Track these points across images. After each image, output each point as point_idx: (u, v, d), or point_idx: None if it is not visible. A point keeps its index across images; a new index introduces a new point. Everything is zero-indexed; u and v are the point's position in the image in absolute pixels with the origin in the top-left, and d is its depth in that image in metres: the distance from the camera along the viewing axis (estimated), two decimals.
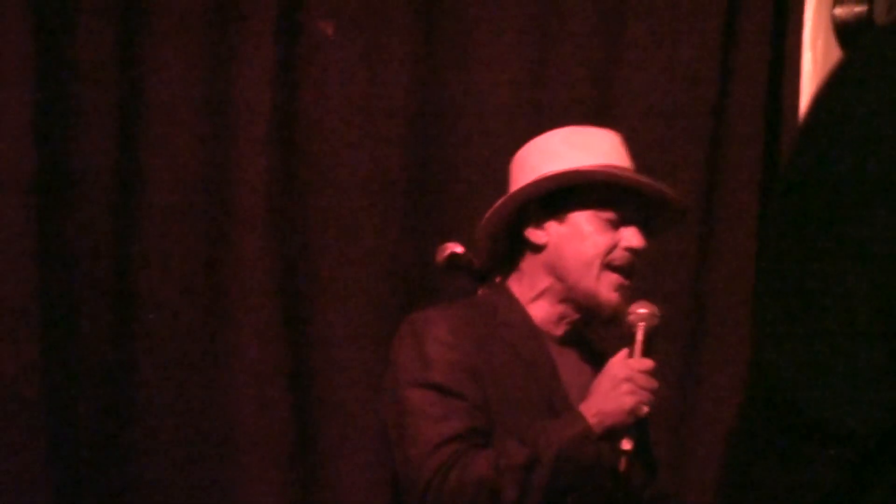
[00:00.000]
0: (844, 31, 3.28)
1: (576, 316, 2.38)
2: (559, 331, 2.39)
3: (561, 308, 2.37)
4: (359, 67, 3.62)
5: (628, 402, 2.20)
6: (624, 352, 2.27)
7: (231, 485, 3.58)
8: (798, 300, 1.25)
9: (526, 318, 2.36)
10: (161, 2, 3.58)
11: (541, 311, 2.37)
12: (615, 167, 2.38)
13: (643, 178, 2.37)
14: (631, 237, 2.34)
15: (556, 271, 2.35)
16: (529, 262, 2.39)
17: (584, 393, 2.28)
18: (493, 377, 2.27)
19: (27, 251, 3.43)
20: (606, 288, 2.33)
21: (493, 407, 2.25)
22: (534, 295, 2.37)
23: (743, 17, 3.65)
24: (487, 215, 2.39)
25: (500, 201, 2.38)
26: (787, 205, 1.30)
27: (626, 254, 2.34)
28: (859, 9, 3.25)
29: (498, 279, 2.45)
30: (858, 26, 3.18)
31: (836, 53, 3.26)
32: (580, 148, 2.38)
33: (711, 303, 3.59)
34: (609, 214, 2.34)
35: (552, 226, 2.36)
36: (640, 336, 2.27)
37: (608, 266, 2.33)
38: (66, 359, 3.49)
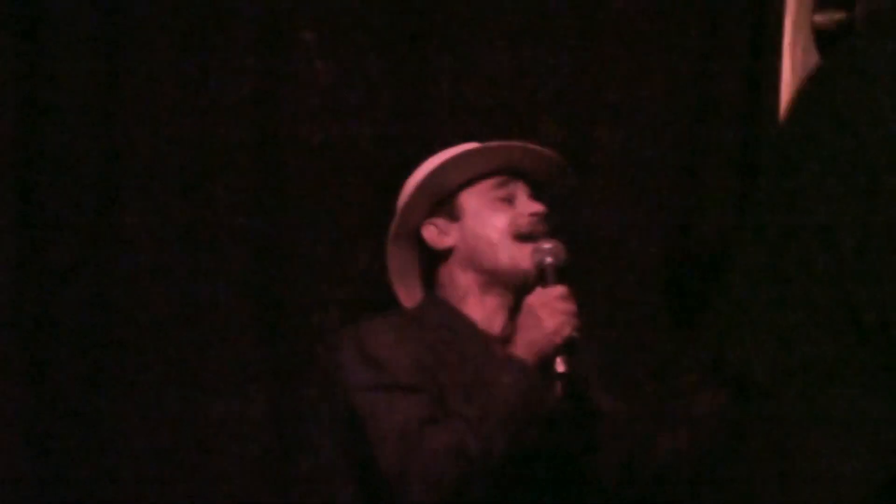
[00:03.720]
0: (824, 38, 3.30)
1: (510, 298, 2.41)
2: (500, 328, 2.41)
3: (492, 299, 2.42)
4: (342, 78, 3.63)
5: (550, 325, 2.27)
6: (537, 288, 2.31)
7: (207, 482, 3.59)
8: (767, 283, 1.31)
9: (465, 321, 2.39)
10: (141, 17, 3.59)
11: (476, 309, 2.43)
12: (473, 146, 2.48)
13: (506, 143, 2.45)
14: (526, 204, 2.40)
15: (472, 265, 2.42)
16: (446, 270, 2.45)
17: None
18: (443, 371, 2.30)
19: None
20: (524, 259, 2.38)
21: (448, 398, 2.26)
22: (462, 295, 2.41)
23: (723, 23, 3.67)
24: (389, 248, 2.45)
25: (392, 225, 2.44)
26: (759, 199, 1.36)
27: (529, 219, 2.36)
28: (839, 15, 3.27)
29: (435, 291, 2.48)
30: (838, 32, 3.20)
31: (814, 59, 3.28)
32: (442, 155, 2.48)
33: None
34: (497, 192, 2.41)
35: (450, 226, 2.42)
36: (548, 268, 2.30)
37: (518, 238, 2.39)
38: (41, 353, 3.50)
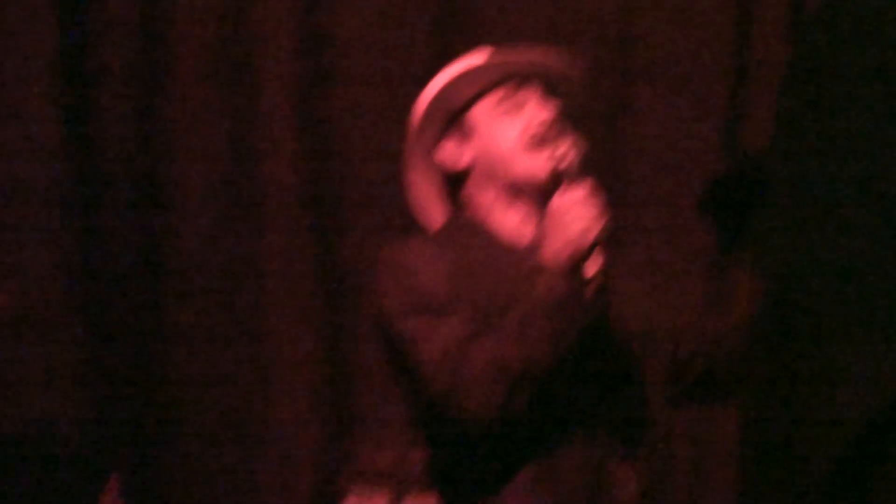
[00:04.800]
0: None
1: (536, 207, 2.37)
2: (528, 236, 2.38)
3: (517, 211, 2.38)
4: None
5: (576, 228, 2.21)
6: (558, 192, 2.28)
7: (263, 414, 3.66)
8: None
9: (493, 237, 2.38)
10: None
11: (502, 224, 2.39)
12: (475, 61, 2.43)
13: (508, 54, 2.41)
14: (536, 111, 2.38)
15: (491, 181, 2.38)
16: (467, 190, 2.41)
17: None
18: (478, 289, 2.29)
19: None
20: (540, 167, 2.35)
21: (486, 311, 2.25)
22: (486, 212, 2.40)
23: None
24: (407, 174, 2.44)
25: (406, 151, 2.43)
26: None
27: (540, 126, 2.37)
28: None
29: (463, 212, 2.46)
30: None
31: None
32: (445, 73, 2.44)
33: None
34: (506, 103, 2.38)
35: (464, 145, 2.40)
36: (566, 172, 2.30)
37: (531, 147, 2.36)
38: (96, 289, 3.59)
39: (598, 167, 3.56)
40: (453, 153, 2.39)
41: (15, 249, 3.54)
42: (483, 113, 2.38)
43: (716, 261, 2.77)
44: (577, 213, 2.21)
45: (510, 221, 2.37)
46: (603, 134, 3.68)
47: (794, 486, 1.52)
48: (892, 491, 1.43)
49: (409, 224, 2.50)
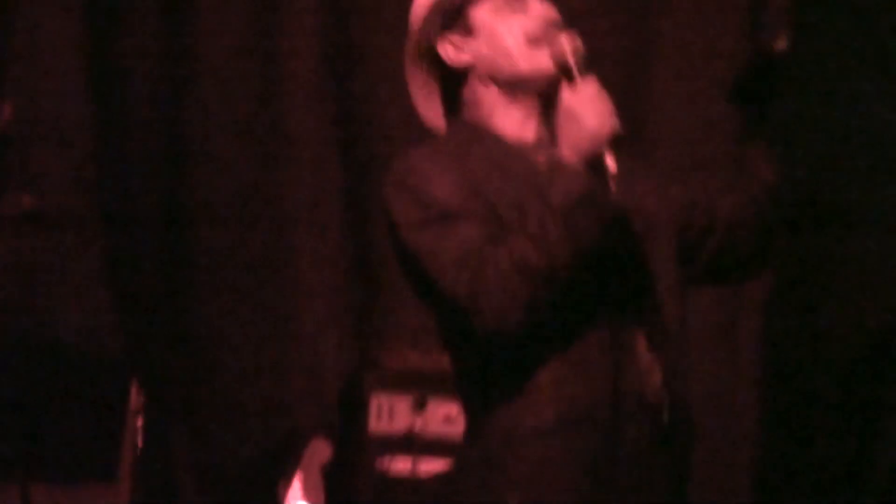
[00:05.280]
0: None
1: (538, 103, 2.37)
2: (533, 135, 2.39)
3: (519, 108, 2.37)
4: None
5: (592, 123, 2.20)
6: (564, 87, 2.27)
7: (287, 317, 3.70)
8: None
9: (496, 137, 2.37)
10: None
11: (505, 122, 2.38)
12: None
13: None
14: (538, 8, 2.37)
15: (493, 78, 2.37)
16: (469, 88, 2.40)
17: None
18: (491, 190, 2.27)
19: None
20: (544, 62, 2.33)
21: (501, 212, 2.25)
22: (488, 111, 2.39)
23: None
24: (409, 70, 2.43)
25: (407, 46, 2.41)
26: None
27: (541, 22, 2.36)
28: None
29: (463, 115, 2.44)
30: None
31: None
32: None
33: None
34: (509, 0, 2.37)
35: (466, 41, 2.38)
36: (573, 64, 2.29)
37: (533, 42, 2.35)
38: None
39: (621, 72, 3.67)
40: (455, 49, 2.38)
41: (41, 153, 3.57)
42: (485, 9, 2.37)
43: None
44: (591, 109, 2.19)
45: (512, 120, 2.36)
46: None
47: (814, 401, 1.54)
48: None
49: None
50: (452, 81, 2.40)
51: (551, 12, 2.36)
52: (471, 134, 2.36)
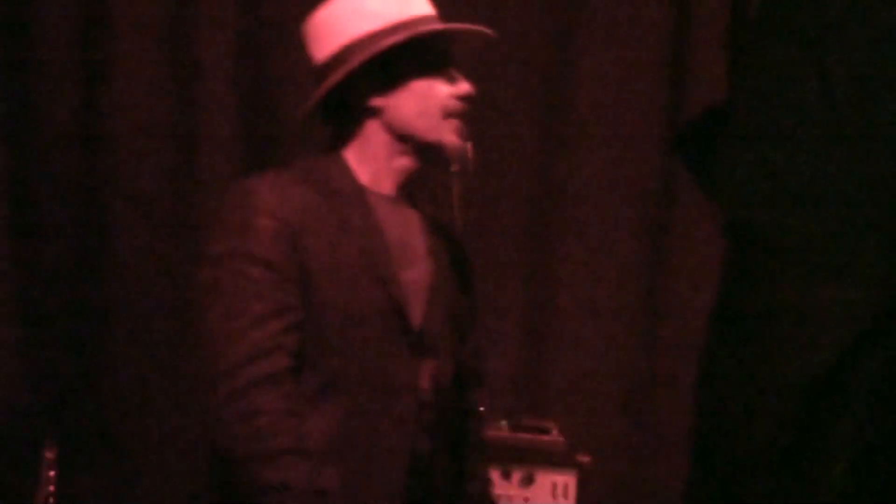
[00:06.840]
0: None
1: (416, 166, 2.45)
2: (390, 188, 2.45)
3: (399, 161, 2.43)
4: None
5: None
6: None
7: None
8: None
9: (355, 185, 2.42)
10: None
11: (373, 168, 2.44)
12: (433, 24, 2.46)
13: (474, 27, 2.47)
14: (462, 86, 2.43)
15: (396, 130, 2.42)
16: (363, 125, 2.43)
17: (411, 253, 2.43)
18: (317, 245, 2.33)
19: None
20: (450, 134, 2.41)
21: (313, 277, 2.30)
22: (370, 155, 2.44)
23: None
24: (323, 88, 2.43)
25: (336, 75, 2.41)
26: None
27: (461, 103, 2.43)
28: None
29: (338, 146, 2.48)
30: None
31: None
32: (388, 3, 2.45)
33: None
34: (437, 66, 2.42)
35: (389, 89, 2.41)
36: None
37: (447, 115, 2.41)
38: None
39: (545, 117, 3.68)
40: (374, 89, 2.40)
41: None
42: (415, 67, 2.40)
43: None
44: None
45: (382, 171, 2.43)
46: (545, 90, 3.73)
47: (752, 433, 1.52)
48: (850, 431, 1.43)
49: None
50: (358, 114, 2.42)
51: (471, 91, 2.43)
52: (336, 175, 2.42)
